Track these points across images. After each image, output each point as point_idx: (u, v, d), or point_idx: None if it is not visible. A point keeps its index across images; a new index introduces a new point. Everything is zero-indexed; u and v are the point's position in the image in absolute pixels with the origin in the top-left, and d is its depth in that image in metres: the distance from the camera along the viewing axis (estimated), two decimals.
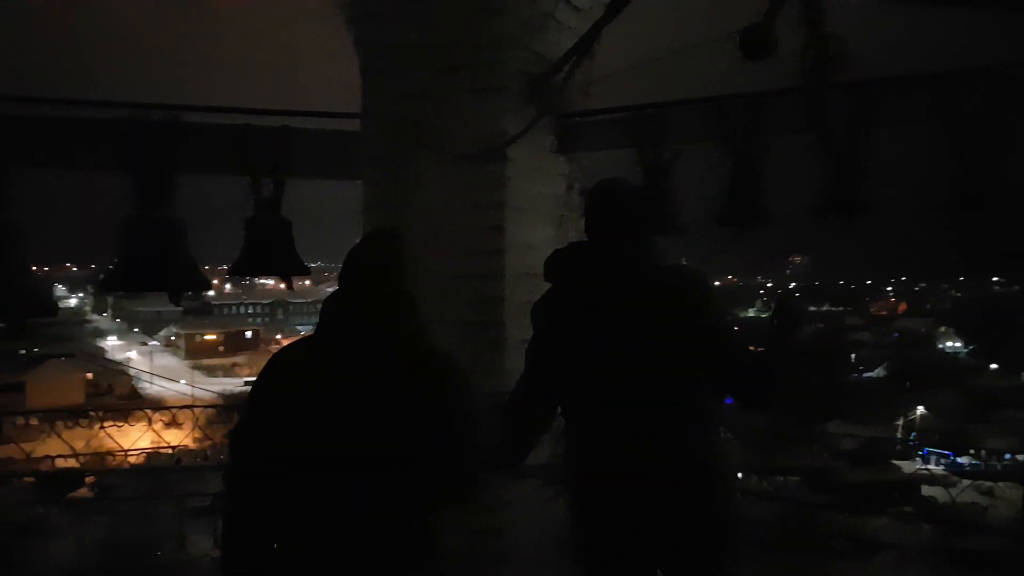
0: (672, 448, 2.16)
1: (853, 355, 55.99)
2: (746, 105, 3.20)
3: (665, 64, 2.87)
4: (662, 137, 3.44)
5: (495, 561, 3.40)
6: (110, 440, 5.29)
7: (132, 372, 48.42)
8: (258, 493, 1.90)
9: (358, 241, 2.09)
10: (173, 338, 64.03)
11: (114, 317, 76.28)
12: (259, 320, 72.72)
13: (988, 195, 2.80)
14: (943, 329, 65.49)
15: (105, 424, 5.19)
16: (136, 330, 70.04)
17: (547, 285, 2.43)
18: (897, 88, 2.95)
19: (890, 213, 3.10)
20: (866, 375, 53.04)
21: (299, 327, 65.68)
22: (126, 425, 5.36)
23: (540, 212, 3.69)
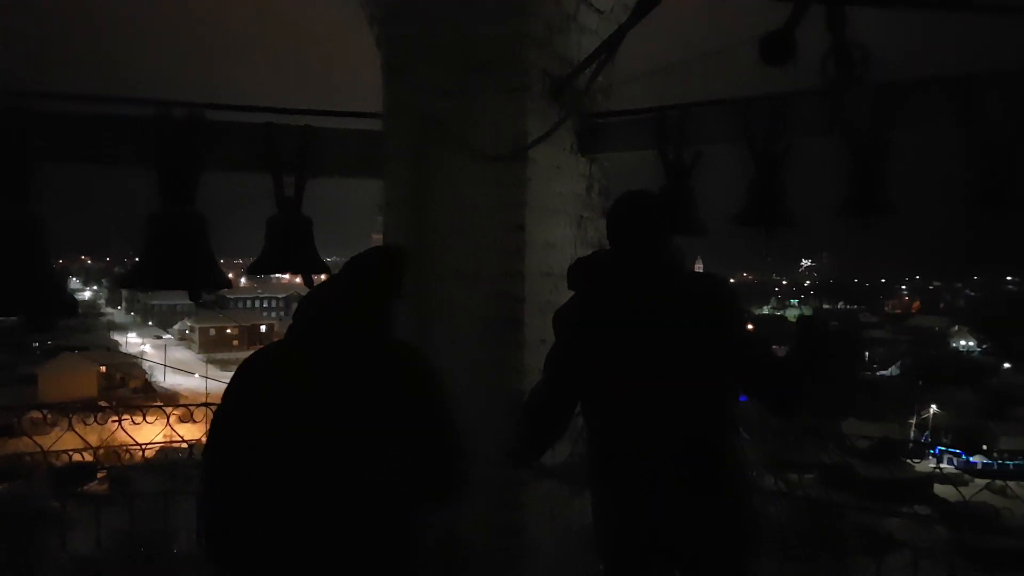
0: (698, 452, 2.18)
1: (867, 353, 55.75)
2: (768, 107, 3.19)
3: (687, 66, 2.88)
4: (683, 138, 3.44)
5: (515, 558, 3.43)
6: (123, 433, 5.32)
7: (146, 365, 48.78)
8: (236, 499, 1.88)
9: (363, 251, 2.09)
10: (187, 332, 64.47)
11: (128, 310, 76.88)
12: (274, 314, 73.06)
13: (1010, 196, 2.79)
14: (956, 328, 65.08)
15: (119, 418, 5.23)
16: (150, 323, 70.56)
17: (565, 286, 2.45)
18: (919, 90, 2.94)
19: (911, 214, 3.09)
20: (880, 373, 52.79)
21: None
22: (140, 420, 5.39)
23: (561, 212, 3.70)
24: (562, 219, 3.72)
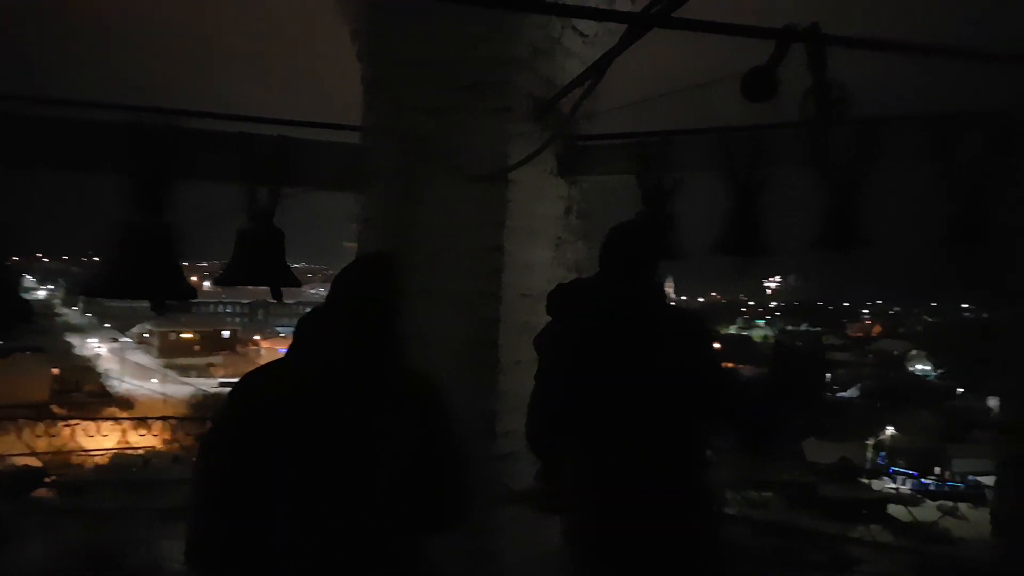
0: (673, 481, 2.21)
1: (829, 375, 56.67)
2: (748, 137, 3.23)
3: (670, 96, 2.90)
4: (663, 165, 3.46)
5: None
6: (75, 439, 5.16)
7: (102, 369, 47.75)
8: (228, 523, 1.82)
9: (349, 264, 2.05)
10: (147, 335, 63.21)
11: (85, 311, 75.24)
12: (238, 320, 72.00)
13: (982, 233, 2.85)
14: (914, 352, 66.48)
15: (71, 423, 5.08)
16: (108, 326, 69.08)
17: (542, 308, 2.45)
18: (896, 128, 3.00)
19: (886, 248, 3.15)
20: (840, 394, 53.70)
21: (280, 329, 65.13)
22: (92, 425, 5.24)
23: (540, 233, 3.70)
24: (541, 240, 3.71)
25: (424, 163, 3.38)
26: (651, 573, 2.22)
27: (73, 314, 74.75)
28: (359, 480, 1.84)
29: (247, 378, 2.00)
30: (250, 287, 3.94)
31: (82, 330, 65.79)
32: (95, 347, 58.13)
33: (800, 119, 2.46)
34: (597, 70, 2.63)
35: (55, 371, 44.48)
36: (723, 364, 2.37)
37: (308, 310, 2.09)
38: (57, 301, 78.72)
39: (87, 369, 48.34)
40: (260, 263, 3.71)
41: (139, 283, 3.47)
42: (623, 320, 2.21)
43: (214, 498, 1.85)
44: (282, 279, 3.79)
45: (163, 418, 5.19)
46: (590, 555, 2.29)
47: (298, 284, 3.95)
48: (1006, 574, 2.74)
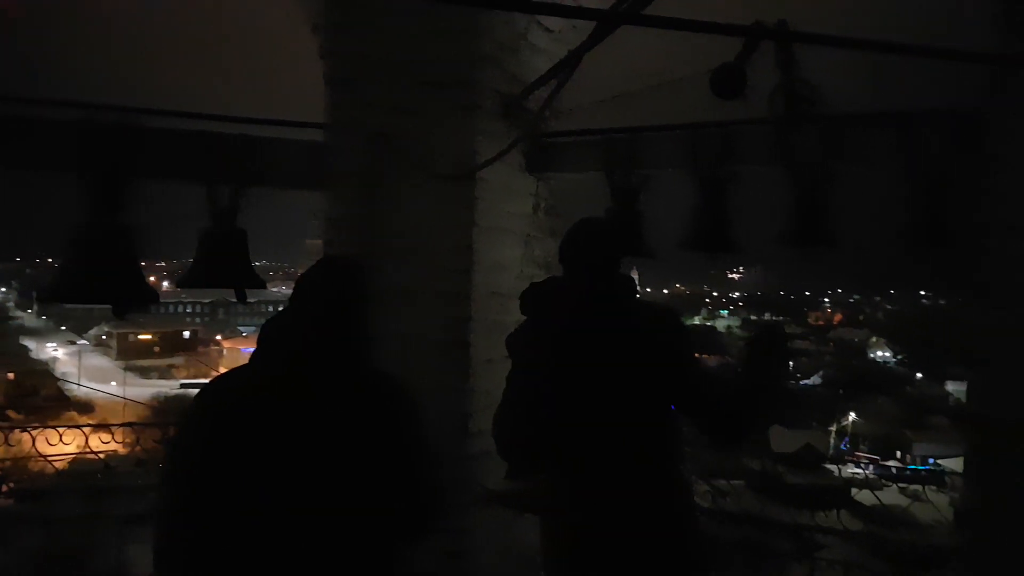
0: (649, 478, 2.21)
1: (792, 363, 57.63)
2: (716, 134, 3.24)
3: (643, 95, 2.90)
4: (632, 162, 3.46)
5: None
6: (33, 445, 5.02)
7: (60, 372, 46.72)
8: (197, 530, 1.79)
9: (314, 266, 2.01)
10: (104, 337, 62.03)
11: (40, 314, 73.51)
12: (198, 320, 70.96)
13: (947, 231, 2.90)
14: (875, 339, 67.90)
15: (28, 428, 4.95)
16: (64, 328, 67.62)
17: (513, 306, 2.44)
18: (862, 124, 3.03)
19: (852, 247, 3.19)
20: (803, 383, 54.63)
21: (242, 328, 64.26)
22: (51, 430, 5.11)
23: (509, 231, 3.67)
24: (510, 239, 3.69)
25: (390, 162, 3.33)
26: (632, 571, 2.22)
27: (28, 317, 73.05)
28: (327, 484, 1.81)
29: (212, 383, 1.98)
30: None
31: (38, 333, 64.27)
32: (52, 350, 56.83)
33: (768, 116, 2.48)
34: (566, 67, 2.61)
35: (10, 376, 43.48)
36: (699, 365, 2.38)
37: (272, 312, 2.06)
38: (11, 304, 76.84)
39: (44, 373, 47.28)
40: (223, 265, 3.64)
41: (98, 287, 3.39)
42: (598, 317, 2.20)
43: (180, 504, 1.82)
44: (246, 280, 3.72)
45: (124, 424, 5.04)
46: (570, 555, 2.28)
47: (263, 285, 3.89)
48: (969, 560, 2.79)
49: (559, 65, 2.72)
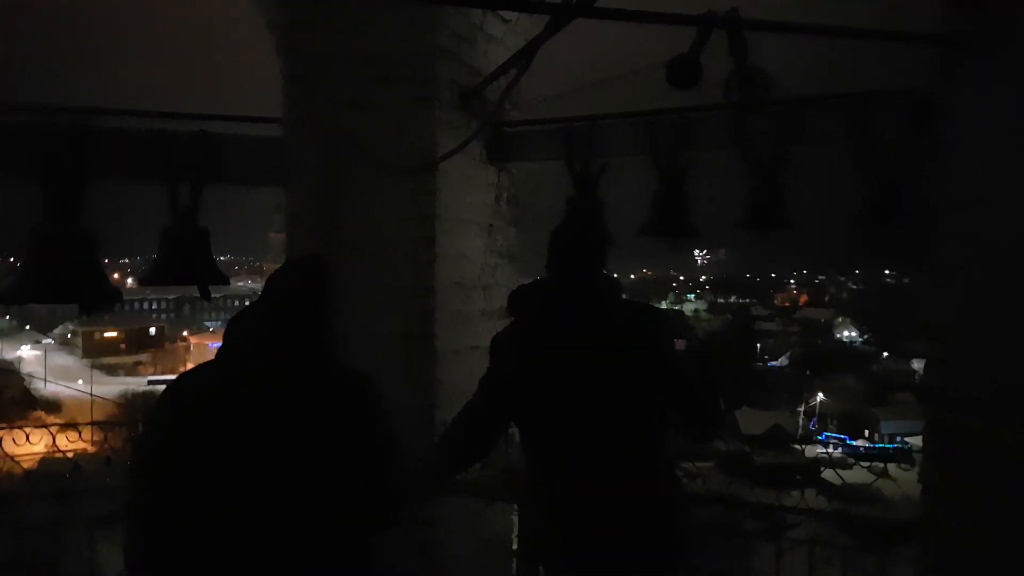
0: (634, 475, 2.24)
1: (759, 344, 58.38)
2: (673, 121, 3.28)
3: (602, 86, 2.92)
4: (590, 150, 3.49)
5: (431, 572, 3.40)
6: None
7: (25, 372, 45.80)
8: (167, 528, 1.80)
9: (282, 265, 2.05)
10: (70, 335, 60.96)
11: (3, 314, 71.96)
12: (164, 316, 69.96)
13: (899, 210, 2.97)
14: (840, 319, 69.01)
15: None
16: (28, 327, 66.31)
17: (477, 296, 2.45)
18: (815, 108, 3.09)
19: (807, 227, 3.25)
20: (771, 364, 55.35)
21: (208, 323, 63.46)
22: (18, 431, 5.02)
23: (471, 222, 3.68)
24: (472, 229, 3.71)
25: (349, 156, 3.32)
26: (611, 561, 2.26)
27: None
28: (294, 478, 1.82)
29: (178, 379, 1.98)
30: None
31: (2, 333, 62.93)
32: (16, 350, 55.72)
33: (724, 103, 2.52)
34: (522, 58, 2.63)
35: None
36: (680, 362, 2.40)
37: (238, 307, 2.06)
38: None
39: (9, 372, 46.33)
40: (186, 263, 3.61)
41: (60, 287, 3.35)
42: (582, 318, 2.22)
43: (148, 500, 1.83)
44: (209, 277, 3.70)
45: (92, 424, 4.96)
46: (552, 547, 2.32)
47: (226, 282, 3.86)
48: (931, 534, 2.85)
49: (516, 56, 2.74)
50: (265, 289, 1.98)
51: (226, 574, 1.81)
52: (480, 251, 3.78)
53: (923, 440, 2.92)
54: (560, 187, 3.65)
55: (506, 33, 3.72)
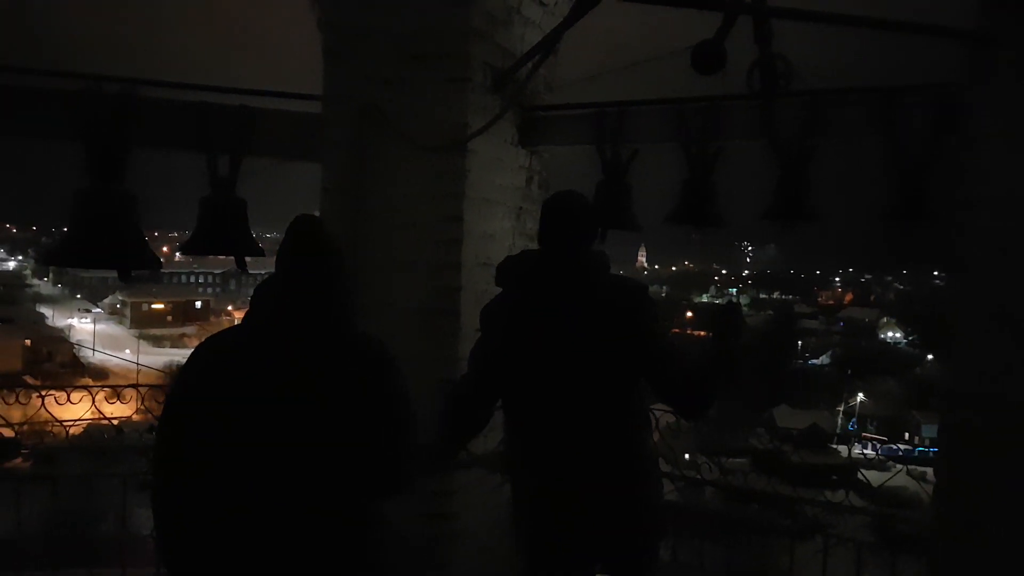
0: (611, 448, 2.27)
1: (800, 342, 57.44)
2: (703, 109, 3.28)
3: (629, 70, 2.93)
4: (621, 136, 3.51)
5: (446, 544, 3.47)
6: (48, 410, 5.14)
7: (75, 340, 47.20)
8: (190, 491, 1.86)
9: (289, 229, 2.04)
10: (119, 306, 62.58)
11: (56, 282, 74.17)
12: (210, 290, 71.43)
13: (926, 206, 2.93)
14: (885, 320, 67.49)
15: (43, 393, 5.05)
16: (79, 296, 68.24)
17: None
18: (843, 100, 3.05)
19: (842, 211, 3.22)
20: (812, 362, 54.43)
21: None
22: (65, 395, 5.21)
23: (499, 203, 3.73)
24: (500, 211, 3.75)
25: (382, 134, 3.38)
26: (592, 538, 2.29)
27: (44, 285, 73.69)
28: (306, 443, 1.86)
29: (205, 342, 2.05)
30: (221, 257, 3.95)
31: (54, 301, 64.89)
32: (67, 318, 57.43)
33: (747, 91, 2.52)
34: (547, 43, 2.65)
35: (27, 342, 43.98)
36: (663, 330, 2.41)
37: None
38: (28, 272, 77.46)
39: (59, 340, 47.82)
40: (223, 232, 3.71)
41: (100, 252, 3.47)
42: (566, 290, 2.25)
43: (174, 457, 1.89)
44: (246, 249, 3.80)
45: (133, 385, 5.13)
46: (533, 523, 2.36)
47: (262, 253, 3.96)
48: (944, 537, 2.82)
49: (544, 39, 2.76)
50: (279, 254, 2.01)
51: (240, 534, 1.85)
52: (508, 232, 3.82)
53: (938, 440, 2.88)
54: (591, 172, 3.67)
55: (543, 16, 3.73)
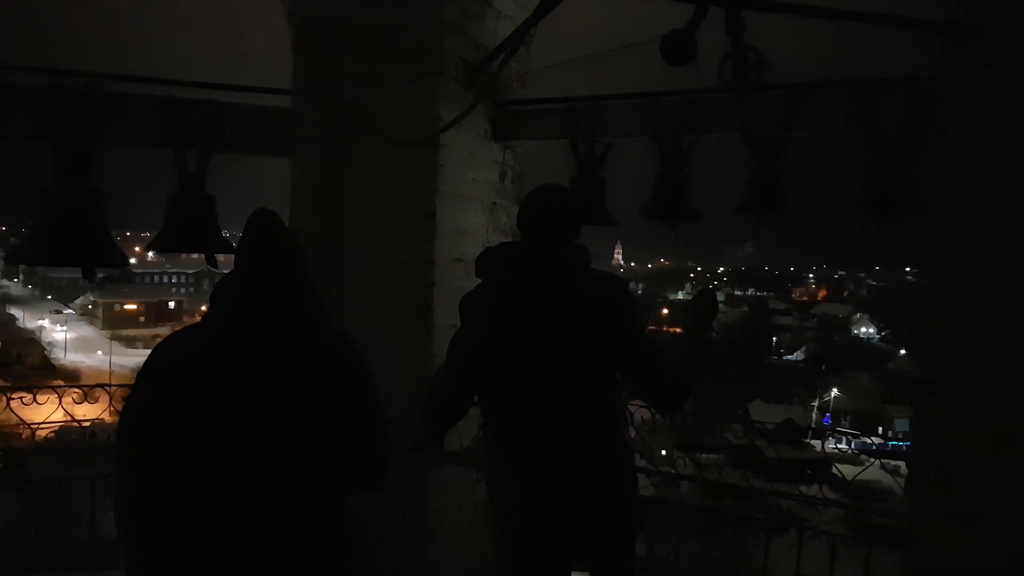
0: (591, 442, 2.26)
1: (775, 338, 58.04)
2: (677, 103, 3.27)
3: (603, 61, 2.92)
4: (595, 130, 3.49)
5: (424, 542, 3.45)
6: (19, 412, 5.04)
7: (45, 342, 46.51)
8: (156, 493, 1.82)
9: (248, 223, 2.00)
10: (90, 307, 61.75)
11: (27, 283, 72.99)
12: (183, 290, 70.63)
13: (902, 199, 2.94)
14: (858, 316, 68.39)
15: (10, 396, 4.94)
16: (50, 297, 67.21)
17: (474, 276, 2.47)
18: (817, 93, 3.06)
19: (816, 207, 3.23)
20: (786, 358, 55.01)
21: None
22: (31, 398, 5.10)
23: (473, 198, 3.70)
24: (474, 205, 3.72)
25: (354, 129, 3.34)
26: (570, 531, 2.28)
27: (15, 286, 72.49)
28: (275, 435, 1.83)
29: (165, 340, 1.99)
30: (194, 256, 3.88)
31: (24, 302, 63.81)
32: (38, 319, 56.53)
33: (719, 84, 2.51)
34: (515, 37, 2.63)
35: None
36: (644, 326, 2.41)
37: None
38: None
39: (30, 341, 47.08)
40: (193, 229, 3.66)
41: (65, 250, 3.40)
42: (546, 283, 2.24)
43: (134, 458, 1.85)
44: (216, 246, 3.74)
45: (102, 385, 5.03)
46: (509, 516, 2.34)
47: (231, 250, 3.89)
48: (917, 528, 2.84)
49: (517, 32, 2.74)
50: (239, 250, 1.96)
51: (210, 533, 1.82)
52: (482, 228, 3.79)
53: (911, 433, 2.90)
54: (565, 167, 3.66)
55: (516, 10, 3.71)
